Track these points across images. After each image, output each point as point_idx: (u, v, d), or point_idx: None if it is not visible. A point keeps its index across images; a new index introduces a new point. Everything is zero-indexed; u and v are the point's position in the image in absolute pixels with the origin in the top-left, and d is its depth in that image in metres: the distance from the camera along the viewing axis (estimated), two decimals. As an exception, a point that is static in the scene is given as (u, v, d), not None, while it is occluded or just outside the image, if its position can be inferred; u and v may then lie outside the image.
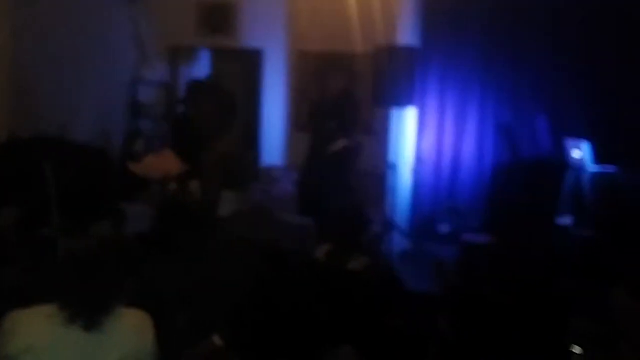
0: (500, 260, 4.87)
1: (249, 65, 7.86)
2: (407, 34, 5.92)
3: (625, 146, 5.43)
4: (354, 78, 6.66)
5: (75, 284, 2.04)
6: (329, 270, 3.35)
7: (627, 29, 5.59)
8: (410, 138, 6.13)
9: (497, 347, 2.86)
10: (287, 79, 7.08)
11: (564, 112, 5.90)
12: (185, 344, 2.41)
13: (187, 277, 3.49)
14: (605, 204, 5.32)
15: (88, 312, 2.00)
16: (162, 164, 3.56)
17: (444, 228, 6.06)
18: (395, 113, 5.86)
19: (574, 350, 3.11)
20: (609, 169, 5.38)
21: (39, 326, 1.99)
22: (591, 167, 5.43)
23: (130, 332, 2.06)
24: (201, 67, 8.15)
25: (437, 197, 6.33)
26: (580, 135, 5.57)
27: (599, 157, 5.44)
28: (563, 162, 5.66)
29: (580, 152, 5.52)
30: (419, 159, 6.27)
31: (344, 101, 6.01)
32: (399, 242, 5.94)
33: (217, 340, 2.25)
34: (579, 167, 5.53)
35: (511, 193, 5.67)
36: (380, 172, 6.11)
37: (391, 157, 5.91)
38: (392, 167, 5.84)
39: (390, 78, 5.49)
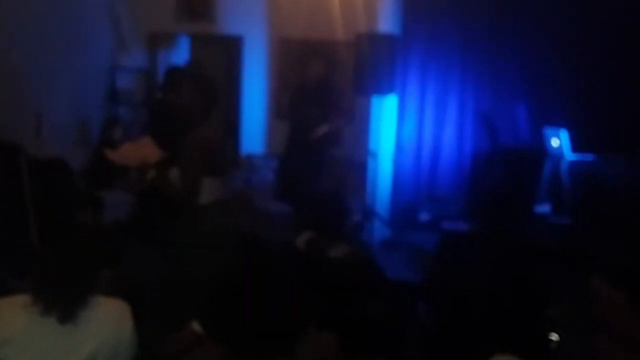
0: (479, 247, 4.91)
1: (229, 51, 7.80)
2: (387, 22, 5.89)
3: (603, 135, 5.47)
4: (335, 65, 6.64)
5: (49, 275, 2.03)
6: (309, 258, 3.35)
7: (608, 17, 5.64)
8: (391, 126, 6.12)
9: (476, 334, 2.86)
10: (268, 66, 7.05)
11: (543, 101, 5.95)
12: (164, 331, 2.38)
13: (166, 264, 3.47)
14: (583, 192, 5.39)
15: (62, 304, 1.99)
16: (141, 151, 3.52)
17: (424, 216, 6.08)
18: (375, 101, 5.85)
19: (552, 338, 3.14)
20: (587, 157, 5.45)
21: (15, 317, 1.98)
22: (569, 156, 5.49)
23: (107, 321, 2.06)
24: (180, 54, 8.08)
25: (417, 185, 6.35)
26: (558, 124, 5.63)
27: (577, 146, 5.51)
28: (542, 151, 5.73)
29: (558, 141, 5.58)
30: (399, 147, 6.28)
31: (324, 87, 5.99)
32: (379, 231, 5.95)
33: (196, 327, 2.22)
34: (557, 155, 5.60)
35: (491, 181, 5.72)
36: (361, 160, 6.13)
37: (371, 145, 5.91)
38: (373, 155, 5.85)
39: (370, 65, 5.48)
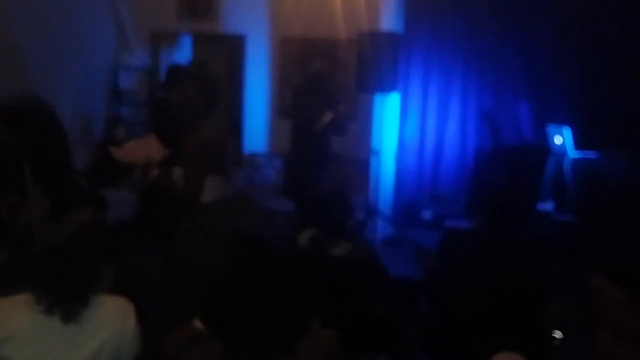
0: (482, 245, 4.91)
1: (231, 51, 7.81)
2: (390, 20, 5.89)
3: (605, 132, 5.48)
4: (337, 64, 6.65)
5: (52, 274, 2.03)
6: (311, 256, 3.37)
7: (609, 16, 5.64)
8: (394, 124, 6.13)
9: (478, 331, 2.87)
10: (270, 65, 7.05)
11: (546, 98, 5.95)
12: (167, 329, 2.40)
13: (168, 263, 3.49)
14: (586, 189, 5.38)
15: (65, 303, 1.99)
16: (145, 149, 3.55)
17: (427, 214, 6.09)
18: (378, 99, 5.85)
19: (554, 335, 3.15)
20: (590, 155, 5.44)
21: (18, 315, 1.98)
22: (572, 153, 5.49)
23: (110, 319, 2.06)
24: (183, 53, 8.09)
25: (420, 183, 6.38)
26: (561, 121, 5.63)
27: (580, 143, 5.51)
28: (545, 148, 5.73)
29: (561, 138, 5.58)
30: (402, 146, 6.29)
31: (326, 84, 6.00)
32: (382, 228, 5.95)
33: (198, 324, 2.25)
34: (560, 153, 5.60)
35: (493, 179, 5.72)
36: (364, 159, 6.14)
37: (374, 143, 5.91)
38: (375, 154, 5.86)
39: (373, 64, 5.47)
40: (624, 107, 5.57)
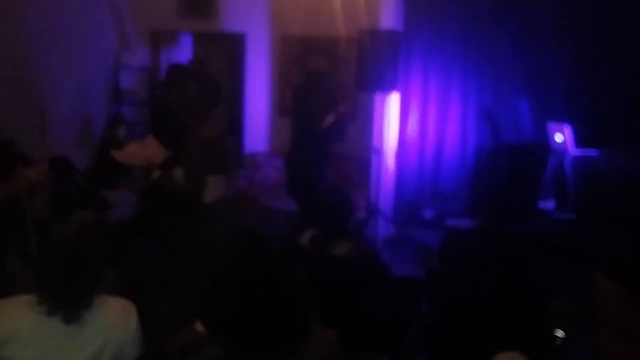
0: (483, 244, 4.92)
1: (231, 49, 7.82)
2: (389, 18, 5.88)
3: (606, 130, 5.48)
4: (337, 62, 6.66)
5: (54, 275, 2.02)
6: (312, 256, 3.37)
7: (609, 14, 5.63)
8: (394, 122, 6.13)
9: (480, 330, 2.86)
10: (270, 64, 7.07)
11: (546, 96, 5.94)
12: (169, 330, 2.39)
13: (170, 263, 3.50)
14: (587, 187, 5.39)
15: (67, 304, 1.99)
16: (145, 151, 3.54)
17: (428, 213, 6.09)
18: (378, 97, 5.84)
19: (556, 333, 3.15)
20: (591, 152, 5.45)
21: (20, 316, 1.98)
22: (573, 151, 5.49)
23: (112, 319, 2.07)
24: (183, 52, 8.10)
25: (421, 182, 6.37)
26: (562, 119, 5.63)
27: (580, 141, 5.50)
28: (545, 146, 5.73)
29: (562, 136, 5.58)
30: (402, 144, 6.29)
31: (326, 82, 6.01)
32: (383, 227, 5.95)
33: (199, 326, 2.24)
34: (561, 151, 5.60)
35: (494, 177, 5.71)
36: (364, 157, 6.13)
37: (375, 142, 5.90)
38: (376, 152, 5.84)
39: (373, 62, 5.46)
40: (624, 105, 5.56)
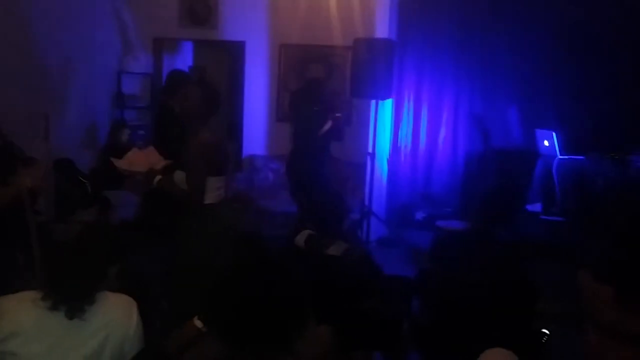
0: (472, 245, 4.98)
1: (231, 56, 7.91)
2: (384, 28, 5.98)
3: (591, 137, 5.59)
4: (333, 70, 6.75)
5: (58, 272, 2.06)
6: (308, 256, 3.45)
7: (598, 26, 5.77)
8: (388, 128, 6.24)
9: (469, 329, 2.88)
10: (269, 71, 7.14)
11: (535, 104, 6.07)
12: (169, 327, 2.46)
13: (170, 262, 3.58)
14: (573, 191, 5.46)
15: (70, 300, 2.02)
16: (147, 158, 3.58)
17: (420, 215, 6.18)
18: (372, 104, 5.94)
19: (543, 332, 3.24)
20: (576, 158, 5.55)
21: (24, 311, 2.01)
22: (559, 157, 5.60)
23: (114, 315, 2.09)
24: (184, 59, 8.19)
25: (413, 185, 6.48)
26: (549, 126, 5.75)
27: (567, 147, 5.61)
28: (533, 152, 5.83)
29: (549, 142, 5.69)
30: (395, 149, 6.38)
31: (321, 87, 6.07)
32: (376, 229, 6.06)
33: (198, 323, 2.28)
34: (548, 156, 5.69)
35: (484, 181, 5.80)
36: (359, 161, 6.24)
37: (369, 146, 5.99)
38: (370, 156, 5.94)
39: (368, 70, 5.56)
40: (608, 113, 5.68)
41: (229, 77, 8.16)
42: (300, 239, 3.54)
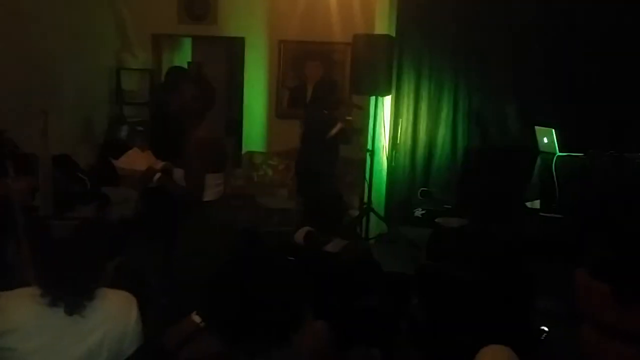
0: (471, 242, 4.97)
1: (230, 52, 7.93)
2: (383, 23, 5.98)
3: (591, 134, 5.60)
4: (333, 66, 6.75)
5: (57, 267, 2.07)
6: (307, 252, 3.46)
7: (596, 25, 5.77)
8: (387, 125, 6.23)
9: (467, 326, 2.86)
10: (268, 67, 7.14)
11: (534, 101, 6.07)
12: (167, 322, 2.45)
13: (169, 258, 3.59)
14: (572, 188, 5.46)
15: (69, 296, 2.03)
16: (144, 158, 3.58)
17: (419, 212, 6.18)
18: (372, 100, 5.93)
19: (542, 329, 3.24)
20: (576, 155, 5.55)
21: (23, 307, 2.02)
22: (558, 153, 5.60)
23: (113, 311, 2.09)
24: (184, 55, 8.19)
25: (412, 181, 6.47)
26: (548, 123, 5.74)
27: (566, 144, 5.61)
28: (532, 149, 5.83)
29: (547, 139, 5.69)
30: (395, 145, 6.38)
31: (333, 88, 6.06)
32: (375, 225, 6.07)
33: (196, 318, 2.29)
34: (547, 153, 5.70)
35: (483, 178, 5.80)
36: (358, 158, 6.25)
37: (368, 143, 6.00)
38: (369, 153, 5.93)
39: (367, 66, 5.56)
40: (608, 110, 5.69)
41: (228, 73, 8.17)
42: (299, 235, 3.55)
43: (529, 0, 6.02)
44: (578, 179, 5.45)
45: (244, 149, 7.24)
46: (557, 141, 5.61)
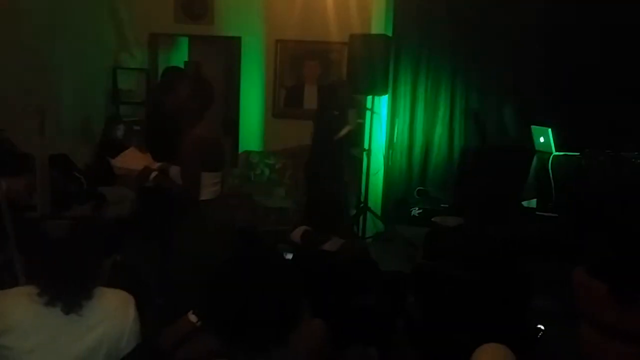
0: (467, 241, 4.99)
1: (227, 52, 7.91)
2: (380, 23, 6.01)
3: (587, 134, 5.61)
4: (329, 66, 6.75)
5: (54, 266, 2.07)
6: (304, 251, 3.47)
7: (591, 25, 5.80)
8: (384, 124, 6.24)
9: (464, 325, 2.91)
10: (265, 66, 7.14)
11: (530, 101, 6.10)
12: (164, 321, 2.45)
13: (166, 257, 3.59)
14: (568, 187, 5.48)
15: (67, 295, 2.03)
16: (141, 158, 3.59)
17: (415, 211, 6.19)
18: (369, 100, 5.93)
19: (538, 328, 3.25)
20: (572, 154, 5.57)
21: (21, 306, 2.02)
22: (555, 153, 5.62)
23: (111, 310, 2.09)
24: (180, 54, 8.18)
25: (408, 181, 6.50)
26: (545, 122, 5.76)
27: (563, 144, 5.64)
28: (529, 148, 5.85)
29: (544, 139, 5.70)
30: (391, 145, 6.39)
31: (342, 89, 6.05)
32: (372, 224, 6.08)
33: (192, 317, 2.30)
34: (543, 152, 5.71)
35: (479, 177, 5.82)
36: (355, 157, 6.22)
37: (365, 142, 6.01)
38: (366, 152, 5.95)
39: (364, 66, 5.57)
40: (604, 110, 5.72)
41: (225, 72, 8.15)
42: (295, 234, 3.56)
43: (526, 0, 6.03)
44: (574, 178, 5.48)
45: (241, 148, 7.24)
46: (553, 140, 5.64)
